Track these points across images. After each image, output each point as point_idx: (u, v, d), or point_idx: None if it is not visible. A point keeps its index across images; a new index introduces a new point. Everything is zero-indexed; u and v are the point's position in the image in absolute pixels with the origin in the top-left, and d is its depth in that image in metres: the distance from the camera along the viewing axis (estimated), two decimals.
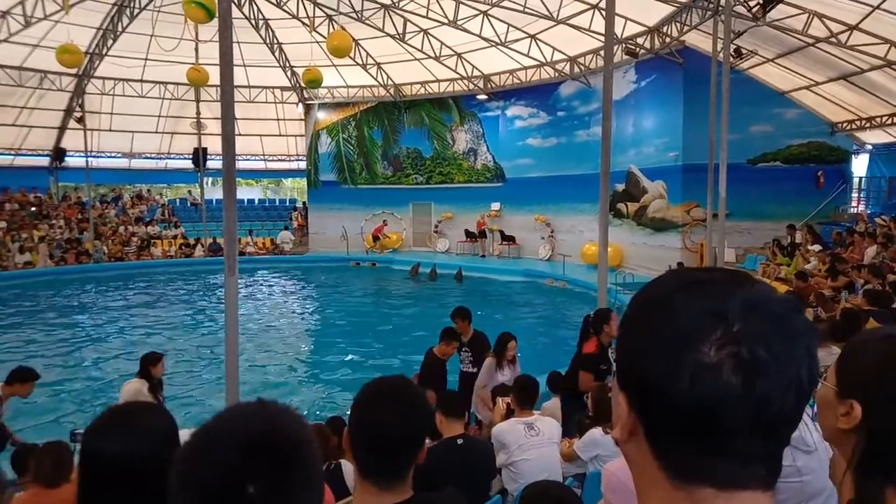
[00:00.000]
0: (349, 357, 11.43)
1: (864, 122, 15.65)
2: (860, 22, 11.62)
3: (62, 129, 25.01)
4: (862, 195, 17.73)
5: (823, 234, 14.67)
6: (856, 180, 17.66)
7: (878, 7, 10.84)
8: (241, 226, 24.58)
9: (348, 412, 1.70)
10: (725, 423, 0.63)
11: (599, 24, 15.58)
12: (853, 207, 17.29)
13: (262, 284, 20.59)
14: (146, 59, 23.04)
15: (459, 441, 3.55)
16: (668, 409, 0.65)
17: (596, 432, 4.02)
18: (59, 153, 25.35)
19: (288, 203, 31.41)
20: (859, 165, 17.69)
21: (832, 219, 16.58)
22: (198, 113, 23.53)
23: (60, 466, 3.29)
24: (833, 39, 12.26)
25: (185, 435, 0.93)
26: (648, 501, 0.71)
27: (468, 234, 23.90)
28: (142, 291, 18.86)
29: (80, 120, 22.74)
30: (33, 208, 24.41)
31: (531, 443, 3.98)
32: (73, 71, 21.38)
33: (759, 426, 0.63)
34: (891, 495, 1.00)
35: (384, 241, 25.00)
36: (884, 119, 14.97)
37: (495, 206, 23.63)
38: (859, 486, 1.05)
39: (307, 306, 17.49)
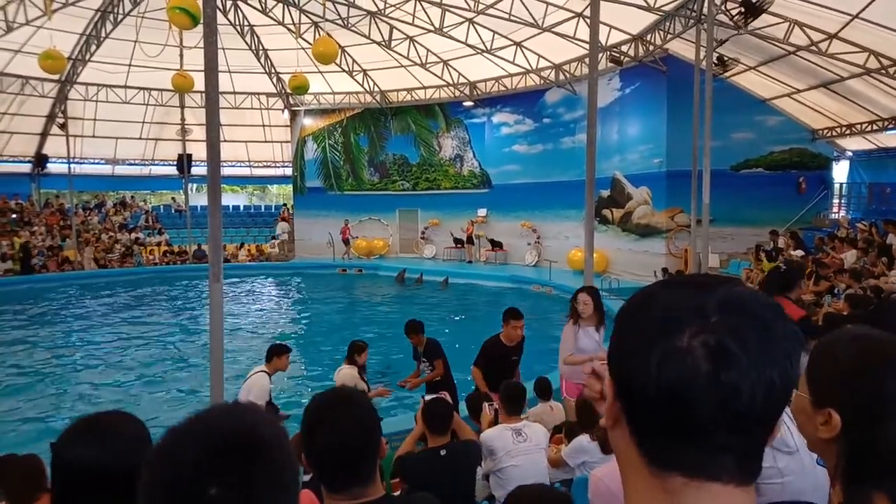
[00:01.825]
0: (333, 363, 11.34)
1: (844, 129, 15.89)
2: (840, 31, 11.81)
3: (44, 135, 24.72)
4: (843, 201, 17.97)
5: (806, 240, 14.85)
6: (836, 186, 17.90)
7: (856, 16, 11.02)
8: (226, 231, 24.46)
9: None
10: (693, 411, 0.64)
11: (584, 32, 15.71)
12: (834, 213, 17.52)
13: (247, 291, 20.44)
14: (130, 65, 22.87)
15: (442, 452, 3.57)
16: (641, 393, 0.67)
17: (583, 439, 4.04)
18: (40, 159, 25.06)
19: (274, 210, 31.27)
20: (840, 172, 17.95)
21: (814, 224, 16.79)
22: (182, 119, 23.42)
23: (31, 481, 3.19)
24: (813, 48, 12.45)
25: None
26: (630, 488, 0.73)
27: (456, 239, 23.93)
28: (126, 299, 18.65)
29: (63, 126, 22.53)
30: (14, 215, 24.09)
31: (519, 449, 3.99)
32: (56, 77, 21.17)
33: (727, 418, 0.65)
34: (879, 500, 1.00)
35: (357, 242, 24.99)
36: (863, 126, 15.20)
37: (482, 212, 23.69)
38: (847, 493, 1.04)
39: (293, 313, 17.38)
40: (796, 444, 1.75)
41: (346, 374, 6.28)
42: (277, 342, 6.26)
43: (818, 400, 1.08)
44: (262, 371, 6.05)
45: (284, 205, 30.65)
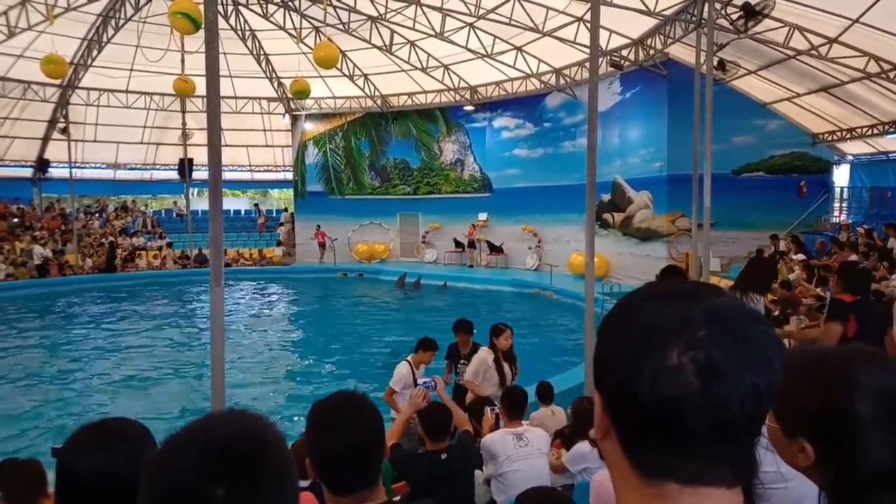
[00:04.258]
0: (336, 368, 11.36)
1: (844, 133, 15.89)
2: (840, 35, 11.82)
3: (46, 139, 24.77)
4: (844, 205, 17.97)
5: (807, 244, 14.84)
6: (837, 190, 17.90)
7: (856, 21, 11.03)
8: (227, 237, 24.48)
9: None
10: (685, 424, 0.66)
11: (584, 37, 15.73)
12: (835, 217, 17.52)
13: (248, 296, 20.44)
14: (132, 70, 22.92)
15: (443, 456, 3.57)
16: (633, 409, 0.68)
17: (584, 446, 4.03)
18: (42, 164, 25.10)
19: (275, 213, 31.40)
20: (841, 175, 17.95)
21: (815, 228, 16.79)
22: (184, 123, 23.46)
23: (32, 485, 3.18)
24: (813, 52, 12.46)
25: None
26: (623, 497, 0.74)
27: (457, 242, 23.93)
28: (126, 303, 18.65)
29: (65, 131, 22.56)
30: (15, 220, 24.11)
31: (520, 453, 3.98)
32: (58, 81, 21.20)
33: (719, 428, 0.66)
34: None
35: (358, 247, 25.24)
36: (864, 130, 15.21)
37: (482, 216, 23.69)
38: None
39: (294, 317, 17.38)
40: None
41: (477, 357, 6.19)
42: (427, 336, 6.27)
43: (788, 432, 1.09)
44: (405, 360, 6.20)
45: (256, 204, 31.71)
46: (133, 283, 21.90)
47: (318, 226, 25.46)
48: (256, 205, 31.78)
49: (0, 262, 21.08)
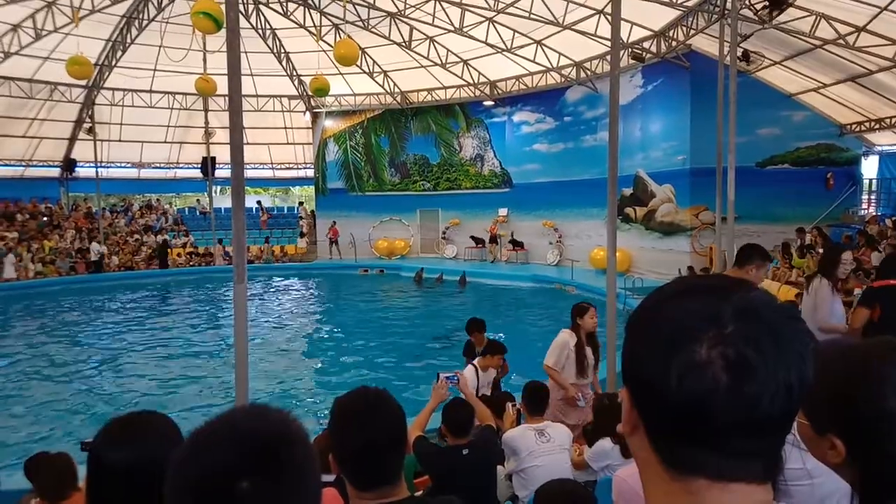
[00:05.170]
0: (357, 363, 11.42)
1: (873, 123, 15.56)
2: (868, 24, 11.57)
3: (72, 140, 25.25)
4: (872, 197, 17.60)
5: (833, 237, 14.56)
6: (865, 182, 17.53)
7: (885, 8, 10.79)
8: (249, 233, 24.73)
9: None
10: (715, 421, 0.65)
11: (605, 29, 15.60)
12: (863, 209, 17.17)
13: (270, 292, 20.64)
14: (155, 70, 23.25)
15: (465, 451, 3.58)
16: (661, 405, 0.68)
17: (606, 443, 4.00)
18: (69, 164, 25.60)
19: (296, 211, 31.64)
20: (869, 167, 17.58)
21: (842, 221, 16.47)
22: (206, 122, 23.74)
23: (63, 479, 3.26)
24: (840, 41, 12.21)
25: None
26: (651, 492, 0.74)
27: (475, 239, 23.90)
28: (152, 300, 18.96)
29: (90, 131, 22.99)
30: (44, 218, 24.63)
31: (542, 449, 3.97)
32: (83, 82, 21.59)
33: (749, 425, 0.65)
34: None
35: (378, 243, 25.47)
36: (893, 120, 14.88)
37: (503, 211, 23.64)
38: None
39: (316, 313, 17.50)
40: None
41: (558, 340, 5.61)
42: (495, 340, 6.20)
43: (818, 427, 1.07)
44: (472, 363, 6.17)
45: (259, 201, 31.34)
46: (158, 280, 22.21)
47: (334, 222, 25.67)
48: (259, 202, 31.82)
49: (29, 260, 21.54)
